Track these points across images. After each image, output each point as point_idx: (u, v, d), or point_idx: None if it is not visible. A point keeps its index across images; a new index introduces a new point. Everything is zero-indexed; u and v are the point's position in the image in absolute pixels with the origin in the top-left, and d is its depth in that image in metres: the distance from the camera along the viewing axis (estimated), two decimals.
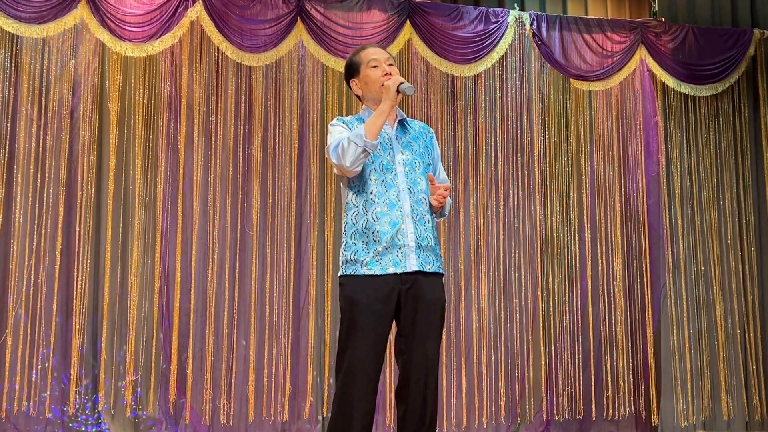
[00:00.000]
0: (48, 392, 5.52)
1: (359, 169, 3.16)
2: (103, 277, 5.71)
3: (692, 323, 6.56)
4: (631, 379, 6.41)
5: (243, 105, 6.03)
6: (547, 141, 6.53)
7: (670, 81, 6.62)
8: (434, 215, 3.32)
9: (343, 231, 3.27)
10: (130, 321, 5.70)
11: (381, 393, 5.86)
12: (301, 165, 6.07)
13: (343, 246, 3.25)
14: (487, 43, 6.32)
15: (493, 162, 6.40)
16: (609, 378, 6.36)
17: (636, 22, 6.68)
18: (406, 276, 3.15)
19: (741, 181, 6.81)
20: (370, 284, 3.13)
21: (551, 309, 6.37)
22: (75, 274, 5.64)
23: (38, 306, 5.57)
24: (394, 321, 3.21)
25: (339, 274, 3.24)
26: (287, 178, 6.04)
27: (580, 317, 6.39)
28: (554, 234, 6.45)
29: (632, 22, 6.70)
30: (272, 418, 5.82)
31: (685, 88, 6.64)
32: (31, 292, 5.57)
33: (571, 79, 6.54)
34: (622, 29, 6.63)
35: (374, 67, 3.30)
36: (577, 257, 6.46)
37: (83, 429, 5.55)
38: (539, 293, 6.35)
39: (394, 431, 5.84)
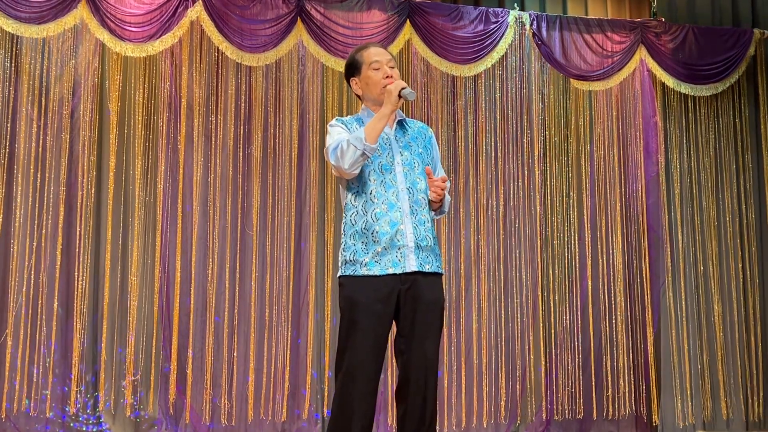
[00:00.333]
0: (48, 392, 5.52)
1: (357, 171, 3.15)
2: (103, 277, 5.71)
3: (692, 323, 6.56)
4: (632, 379, 6.41)
5: (243, 105, 6.03)
6: (547, 141, 6.53)
7: (670, 81, 6.62)
8: (433, 212, 3.32)
9: (342, 232, 3.26)
10: (130, 321, 5.70)
11: (382, 393, 5.85)
12: (301, 165, 6.07)
13: (342, 247, 3.25)
14: (487, 43, 6.32)
15: (493, 162, 6.40)
16: (609, 378, 6.36)
17: (636, 22, 6.68)
18: (406, 276, 3.15)
19: (741, 181, 6.81)
20: (369, 285, 3.13)
21: (551, 309, 6.37)
22: (75, 274, 5.65)
23: (38, 306, 5.57)
24: (393, 321, 3.22)
25: (338, 275, 3.24)
26: (287, 178, 6.04)
27: (580, 317, 6.39)
28: (554, 234, 6.45)
29: (632, 22, 6.70)
30: (272, 418, 5.82)
31: (685, 88, 6.64)
32: (32, 292, 5.57)
33: (571, 79, 6.54)
34: (622, 29, 6.63)
35: (376, 69, 3.29)
36: (577, 257, 6.46)
37: (83, 429, 5.55)
38: (539, 293, 6.35)
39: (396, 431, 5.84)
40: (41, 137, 5.69)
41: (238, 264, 5.90)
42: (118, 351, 5.69)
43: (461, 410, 6.11)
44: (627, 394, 6.38)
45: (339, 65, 5.97)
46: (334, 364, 3.24)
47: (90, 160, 5.76)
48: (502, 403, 6.17)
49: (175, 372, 5.69)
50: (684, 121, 6.79)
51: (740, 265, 6.71)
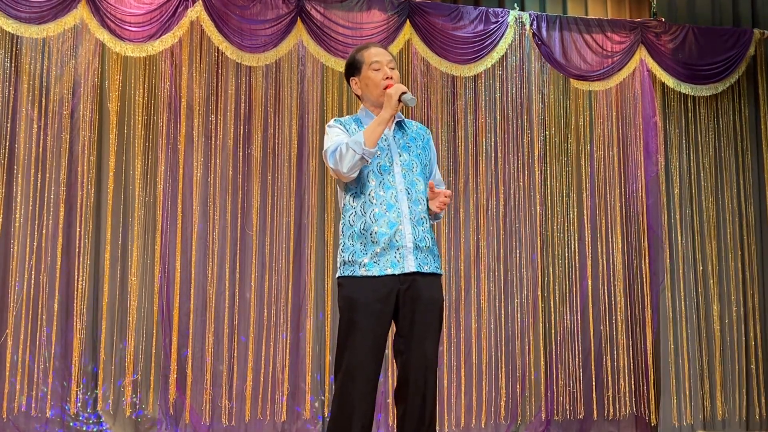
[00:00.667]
0: (48, 392, 5.52)
1: (355, 175, 3.15)
2: (102, 277, 5.71)
3: (692, 323, 6.56)
4: (632, 379, 6.40)
5: (243, 105, 6.03)
6: (547, 141, 6.53)
7: (670, 81, 6.62)
8: (430, 217, 3.32)
9: (340, 232, 3.26)
10: (129, 321, 5.70)
11: (382, 393, 5.85)
12: (301, 165, 6.07)
13: (340, 247, 3.25)
14: (487, 43, 6.32)
15: (493, 162, 6.40)
16: (609, 378, 6.36)
17: (636, 22, 6.68)
18: (405, 276, 3.15)
19: (741, 182, 6.81)
20: (368, 285, 3.13)
21: (551, 309, 6.37)
22: (75, 274, 5.65)
23: (38, 306, 5.57)
24: (393, 322, 3.22)
25: (337, 276, 3.24)
26: (287, 178, 6.04)
27: (580, 317, 6.39)
28: (554, 234, 6.45)
29: (632, 22, 6.70)
30: (271, 418, 5.82)
31: (685, 88, 6.64)
32: (32, 292, 5.57)
33: (571, 79, 6.54)
34: (622, 29, 6.63)
35: (376, 69, 3.28)
36: (577, 257, 6.46)
37: (83, 428, 5.56)
38: (539, 293, 6.35)
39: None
40: (41, 137, 5.69)
41: (237, 264, 5.90)
42: (118, 350, 5.69)
43: (461, 410, 6.11)
44: (627, 394, 6.38)
45: (339, 65, 5.97)
46: (332, 364, 3.24)
47: (90, 160, 5.76)
48: (502, 403, 6.17)
49: (175, 372, 5.69)
50: (684, 121, 6.78)
51: (739, 265, 6.71)
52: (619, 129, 6.65)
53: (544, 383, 6.28)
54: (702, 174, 6.75)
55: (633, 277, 6.51)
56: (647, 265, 6.52)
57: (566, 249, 6.47)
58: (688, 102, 6.79)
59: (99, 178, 5.82)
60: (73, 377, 5.57)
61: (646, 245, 6.54)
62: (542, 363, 6.29)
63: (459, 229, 6.28)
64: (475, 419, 6.13)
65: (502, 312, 6.27)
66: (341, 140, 3.15)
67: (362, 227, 3.17)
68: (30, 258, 5.59)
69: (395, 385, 3.22)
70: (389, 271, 3.13)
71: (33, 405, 5.49)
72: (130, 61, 5.88)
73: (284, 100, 6.09)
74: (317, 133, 6.09)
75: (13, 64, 5.68)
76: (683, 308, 6.56)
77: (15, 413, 5.46)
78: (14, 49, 5.68)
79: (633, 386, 6.40)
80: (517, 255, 6.35)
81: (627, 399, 6.38)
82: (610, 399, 6.36)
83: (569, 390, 6.31)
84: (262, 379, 5.85)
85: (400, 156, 3.26)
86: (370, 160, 3.14)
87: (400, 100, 3.15)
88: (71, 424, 5.54)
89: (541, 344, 6.32)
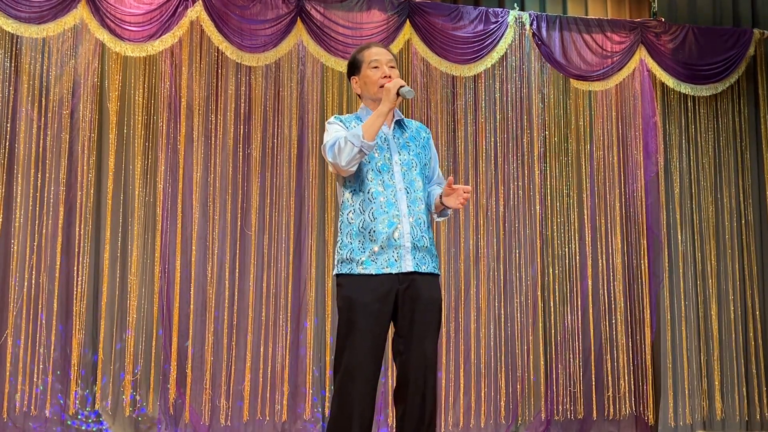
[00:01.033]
0: (48, 391, 5.52)
1: (354, 168, 3.16)
2: (102, 277, 5.71)
3: (692, 323, 6.56)
4: (632, 379, 6.40)
5: (243, 105, 6.04)
6: (547, 141, 6.53)
7: (670, 81, 6.62)
8: (436, 214, 3.33)
9: (339, 230, 3.27)
10: (129, 320, 5.71)
11: (382, 393, 5.85)
12: (301, 165, 6.07)
13: (338, 245, 3.25)
14: (487, 43, 6.32)
15: (493, 162, 6.40)
16: (609, 378, 6.36)
17: (636, 22, 6.68)
18: (404, 276, 3.15)
19: (741, 181, 6.81)
20: (367, 284, 3.13)
21: (551, 309, 6.37)
22: (75, 273, 5.65)
23: (38, 306, 5.57)
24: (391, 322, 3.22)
25: (334, 273, 3.25)
26: (286, 178, 6.04)
27: (580, 317, 6.39)
28: (554, 234, 6.45)
29: (632, 22, 6.70)
30: (271, 418, 5.82)
31: (685, 88, 6.64)
32: (32, 291, 5.57)
33: (571, 79, 6.54)
34: (622, 29, 6.63)
35: (375, 67, 3.31)
36: (577, 257, 6.46)
37: (83, 428, 5.56)
38: (539, 293, 6.35)
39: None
40: (41, 137, 5.69)
41: (237, 264, 5.90)
42: (118, 350, 5.69)
43: (461, 410, 6.11)
44: (627, 394, 6.38)
45: (339, 65, 5.97)
46: (332, 364, 3.24)
47: (90, 160, 5.76)
48: (502, 403, 6.17)
49: (175, 371, 5.69)
50: (684, 121, 6.78)
51: (738, 266, 6.71)
52: (619, 129, 6.65)
53: (544, 383, 6.28)
54: (701, 174, 6.75)
55: (633, 277, 6.51)
56: (647, 264, 6.52)
57: (566, 249, 6.47)
58: (688, 102, 6.79)
59: (99, 178, 5.82)
60: (72, 377, 5.57)
61: (646, 245, 6.54)
62: (542, 363, 6.29)
63: (459, 229, 6.28)
64: (474, 419, 6.13)
65: (502, 312, 6.27)
66: (340, 135, 3.16)
67: (361, 225, 3.18)
68: (30, 258, 5.59)
69: (395, 385, 3.22)
70: (386, 271, 3.13)
71: (32, 404, 5.49)
72: (130, 61, 5.88)
73: (284, 100, 6.10)
74: (317, 133, 6.09)
75: (13, 64, 5.68)
76: (683, 308, 6.56)
77: (15, 413, 5.46)
78: (14, 49, 5.69)
79: (633, 386, 6.40)
80: (517, 255, 6.35)
81: (627, 399, 6.38)
82: (610, 399, 6.36)
83: (569, 390, 6.31)
84: (261, 379, 5.85)
85: (400, 155, 3.27)
86: (368, 153, 3.14)
87: (398, 94, 3.16)
88: (70, 423, 5.54)
89: (541, 344, 6.32)
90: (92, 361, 5.68)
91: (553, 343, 6.34)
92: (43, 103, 5.72)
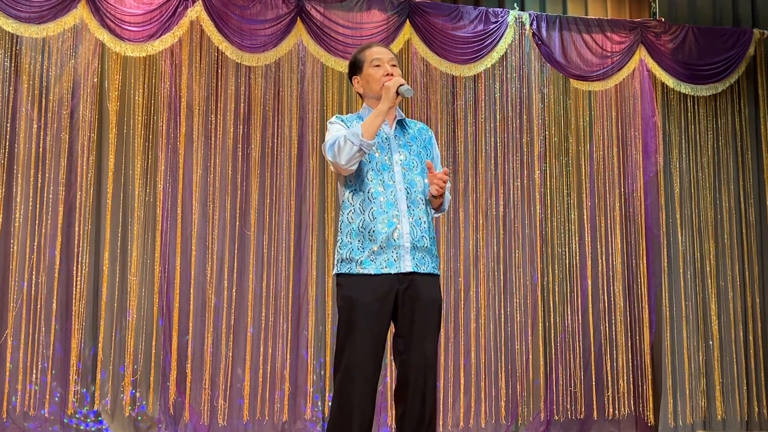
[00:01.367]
0: (48, 391, 5.52)
1: (354, 167, 3.16)
2: (102, 277, 5.71)
3: (692, 323, 6.56)
4: (631, 379, 6.41)
5: (243, 105, 6.04)
6: (547, 141, 6.53)
7: (670, 81, 6.62)
8: (433, 210, 3.32)
9: (338, 229, 3.27)
10: (129, 320, 5.70)
11: (382, 393, 5.85)
12: (301, 165, 6.07)
13: (338, 244, 3.26)
14: (487, 43, 6.32)
15: (493, 162, 6.40)
16: (609, 378, 6.36)
17: (636, 22, 6.68)
18: (404, 276, 3.15)
19: (740, 181, 6.81)
20: (367, 284, 3.13)
21: (551, 309, 6.37)
22: (75, 273, 5.65)
23: (38, 305, 5.57)
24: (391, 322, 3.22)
25: (334, 273, 3.25)
26: (287, 178, 6.04)
27: (580, 317, 6.39)
28: (554, 234, 6.45)
29: (632, 22, 6.70)
30: (271, 418, 5.82)
31: (684, 88, 6.64)
32: (32, 291, 5.57)
33: (571, 79, 6.54)
34: (622, 29, 6.63)
35: (377, 66, 3.31)
36: (577, 257, 6.46)
37: (82, 427, 5.56)
38: (539, 293, 6.35)
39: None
40: (41, 137, 5.69)
41: (237, 264, 5.90)
42: (117, 350, 5.69)
43: (461, 410, 6.11)
44: (627, 394, 6.38)
45: (339, 65, 5.97)
46: (332, 364, 3.24)
47: (90, 160, 5.76)
48: (502, 403, 6.17)
49: (175, 372, 5.69)
50: (683, 121, 6.78)
51: (738, 266, 6.71)
52: (619, 129, 6.65)
53: (544, 383, 6.28)
54: (701, 174, 6.75)
55: (633, 277, 6.52)
56: (646, 264, 6.52)
57: (566, 249, 6.47)
58: (688, 102, 6.79)
59: (99, 177, 5.82)
60: (72, 377, 5.57)
61: (645, 245, 6.54)
62: (542, 363, 6.29)
63: (458, 229, 6.28)
64: (474, 419, 6.13)
65: (502, 312, 6.27)
66: (340, 134, 3.17)
67: (361, 225, 3.18)
68: (30, 258, 5.59)
69: (395, 385, 3.22)
70: (385, 270, 3.14)
71: (32, 404, 5.49)
72: (130, 61, 5.88)
73: (284, 100, 6.10)
74: (317, 132, 6.09)
75: (13, 64, 5.68)
76: (682, 308, 6.56)
77: (15, 413, 5.46)
78: (14, 48, 5.68)
79: (633, 386, 6.40)
80: (517, 255, 6.35)
81: (627, 399, 6.38)
82: (610, 399, 6.36)
83: (569, 390, 6.31)
84: (261, 378, 5.85)
85: (400, 154, 3.27)
86: (368, 152, 3.15)
87: (398, 93, 3.16)
88: (69, 421, 5.54)
89: (541, 344, 6.32)
90: (92, 361, 5.67)
91: (553, 344, 6.34)
92: (43, 103, 5.72)
